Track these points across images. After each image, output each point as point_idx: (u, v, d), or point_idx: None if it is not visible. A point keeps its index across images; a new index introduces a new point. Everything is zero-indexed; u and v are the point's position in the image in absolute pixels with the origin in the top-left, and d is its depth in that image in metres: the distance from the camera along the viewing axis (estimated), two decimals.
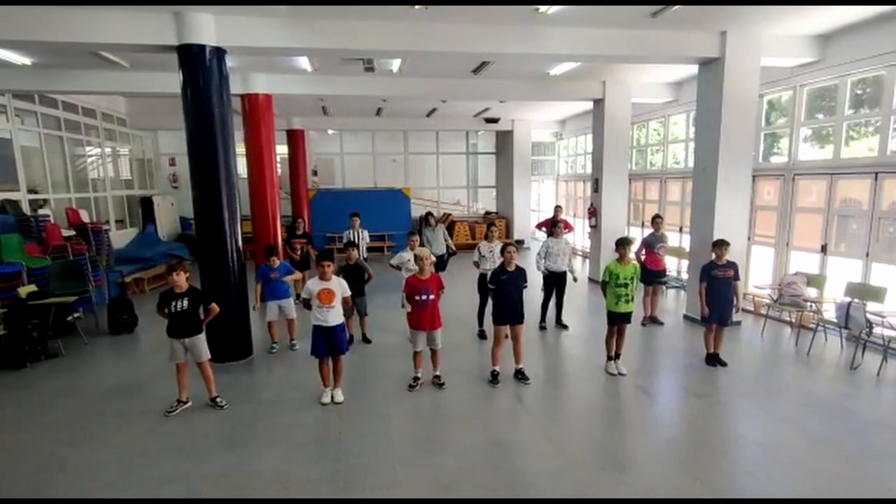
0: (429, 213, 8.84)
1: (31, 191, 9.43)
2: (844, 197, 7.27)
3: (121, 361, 6.58)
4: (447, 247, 8.46)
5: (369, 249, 9.07)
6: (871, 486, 3.62)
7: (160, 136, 15.22)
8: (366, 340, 6.84)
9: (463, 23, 6.36)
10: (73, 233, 9.04)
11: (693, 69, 7.70)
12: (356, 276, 6.40)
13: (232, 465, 3.97)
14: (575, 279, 7.26)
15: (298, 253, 8.56)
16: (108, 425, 4.64)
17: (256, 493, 3.61)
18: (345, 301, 4.99)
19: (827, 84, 7.37)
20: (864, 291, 6.19)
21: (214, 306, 4.89)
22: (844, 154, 7.18)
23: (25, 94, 9.24)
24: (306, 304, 4.96)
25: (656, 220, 7.79)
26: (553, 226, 7.45)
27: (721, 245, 5.83)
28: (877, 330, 5.73)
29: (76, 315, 7.04)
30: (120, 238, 11.79)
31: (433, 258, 5.71)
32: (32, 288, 6.91)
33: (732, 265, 5.85)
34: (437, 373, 5.43)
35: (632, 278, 5.54)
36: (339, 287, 4.92)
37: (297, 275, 6.43)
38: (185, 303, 4.69)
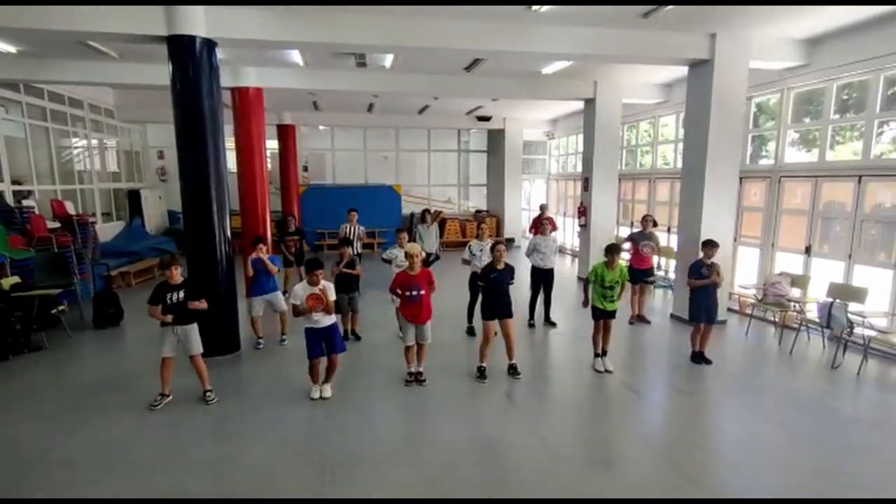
0: (425, 210, 8.98)
1: (15, 182, 9.27)
2: (829, 199, 7.39)
3: (106, 355, 6.50)
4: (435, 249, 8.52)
5: (362, 246, 9.06)
6: (851, 481, 3.69)
7: (148, 129, 15.04)
8: (355, 337, 6.82)
9: (456, 19, 6.36)
10: (58, 225, 8.91)
11: (683, 70, 7.77)
12: (351, 274, 6.41)
13: (218, 458, 3.95)
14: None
15: (293, 251, 8.53)
16: (93, 419, 4.59)
17: (242, 484, 3.59)
18: (327, 306, 4.77)
19: (814, 88, 7.49)
20: (846, 292, 6.31)
21: (203, 303, 4.82)
22: (829, 157, 7.31)
23: (10, 83, 9.07)
24: (296, 312, 4.79)
25: (645, 219, 7.87)
26: (539, 223, 7.53)
27: (712, 245, 5.90)
28: (857, 330, 5.84)
29: (60, 308, 6.93)
30: (106, 231, 11.63)
31: (423, 254, 5.72)
32: (16, 280, 6.81)
33: (714, 266, 5.91)
34: (420, 369, 5.41)
35: (618, 282, 5.62)
36: (325, 292, 4.79)
37: (273, 268, 6.39)
38: (182, 294, 4.70)
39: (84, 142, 11.86)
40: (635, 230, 8.01)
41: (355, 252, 8.20)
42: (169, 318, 4.67)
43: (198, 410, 4.77)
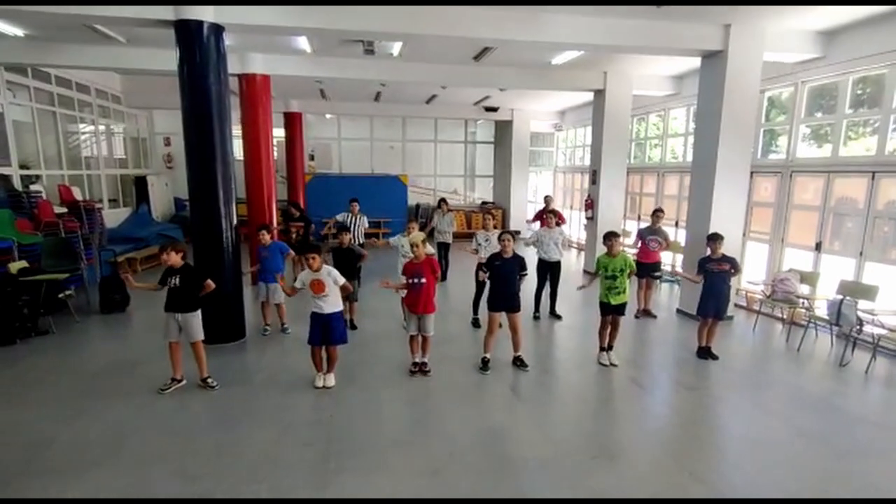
0: (442, 200, 9.43)
1: (22, 166, 9.29)
2: (841, 195, 7.28)
3: (112, 340, 6.54)
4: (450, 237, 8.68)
5: (365, 236, 9.04)
6: (856, 480, 3.66)
7: (155, 115, 15.02)
8: (352, 326, 6.81)
9: (466, 7, 6.26)
10: (65, 210, 8.94)
11: (695, 63, 7.65)
12: (348, 261, 6.37)
13: (222, 444, 3.96)
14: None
15: (294, 237, 8.50)
16: (98, 403, 4.61)
17: (246, 471, 3.60)
18: (344, 288, 4.97)
19: (828, 81, 7.35)
20: (856, 289, 6.22)
21: (209, 283, 4.88)
22: (842, 153, 7.19)
23: (18, 67, 9.05)
24: (292, 292, 5.18)
25: (656, 214, 7.78)
26: (543, 216, 7.51)
27: (715, 239, 5.85)
28: (867, 328, 5.77)
29: (67, 293, 6.97)
30: (113, 217, 11.67)
31: (430, 249, 5.70)
32: (23, 264, 6.83)
33: (729, 259, 5.87)
34: (425, 359, 5.41)
35: (621, 270, 5.50)
36: (330, 277, 4.86)
37: (290, 253, 6.49)
38: (178, 280, 4.71)
39: (91, 127, 11.85)
40: (643, 225, 7.92)
41: (357, 243, 8.18)
42: (136, 275, 4.79)
43: (203, 397, 4.79)
